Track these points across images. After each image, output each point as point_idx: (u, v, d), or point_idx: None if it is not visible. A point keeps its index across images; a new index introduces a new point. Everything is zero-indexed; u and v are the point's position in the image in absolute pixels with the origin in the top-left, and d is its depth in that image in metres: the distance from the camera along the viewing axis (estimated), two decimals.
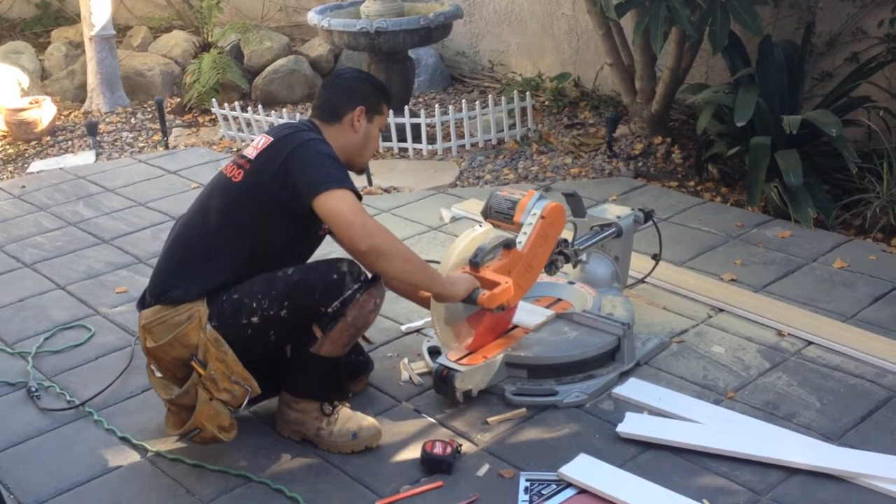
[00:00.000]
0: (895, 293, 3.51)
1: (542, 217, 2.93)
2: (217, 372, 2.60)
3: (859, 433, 2.72)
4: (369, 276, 2.70)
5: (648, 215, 3.51)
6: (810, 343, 3.19)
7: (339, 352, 2.72)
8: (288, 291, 2.62)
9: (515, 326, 3.12)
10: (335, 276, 2.63)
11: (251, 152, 2.74)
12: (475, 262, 2.82)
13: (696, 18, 4.38)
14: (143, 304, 2.79)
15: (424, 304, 3.19)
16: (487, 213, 3.07)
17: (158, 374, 2.76)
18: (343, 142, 2.80)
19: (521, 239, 2.92)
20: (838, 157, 4.22)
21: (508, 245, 2.90)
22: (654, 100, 5.16)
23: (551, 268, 3.13)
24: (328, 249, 3.08)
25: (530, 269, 2.94)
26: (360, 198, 2.64)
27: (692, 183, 4.80)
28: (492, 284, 2.79)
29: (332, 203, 2.57)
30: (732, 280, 3.66)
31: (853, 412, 2.81)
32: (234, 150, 5.69)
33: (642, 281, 3.59)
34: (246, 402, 2.68)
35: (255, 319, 2.63)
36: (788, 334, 3.25)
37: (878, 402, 2.86)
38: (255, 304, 2.63)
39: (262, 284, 2.65)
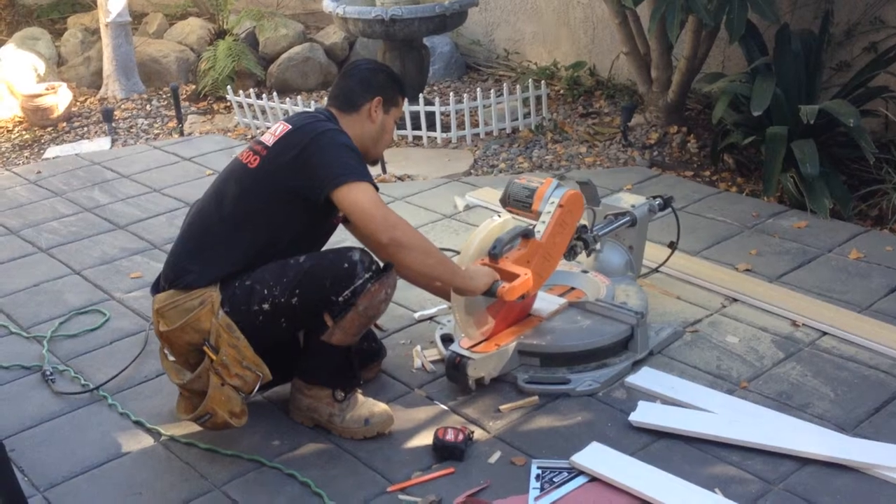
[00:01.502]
0: None
1: (561, 206, 2.93)
2: (229, 357, 2.61)
3: (873, 424, 2.70)
4: (381, 265, 2.71)
5: (668, 202, 3.50)
6: (825, 334, 3.17)
7: (351, 340, 2.73)
8: (299, 279, 2.63)
9: (529, 314, 3.12)
10: (346, 265, 2.63)
11: (269, 139, 2.74)
12: (494, 254, 2.82)
13: (712, 7, 4.35)
14: (157, 288, 2.80)
15: (440, 293, 3.20)
16: (506, 202, 3.06)
17: (171, 358, 2.77)
18: (360, 132, 2.80)
19: (540, 228, 2.92)
20: (855, 147, 4.19)
21: (527, 235, 2.90)
22: (670, 89, 5.14)
23: (570, 254, 3.13)
24: (341, 237, 3.08)
25: (549, 258, 2.94)
26: (377, 189, 2.65)
27: (708, 172, 4.77)
28: (511, 276, 2.79)
29: (353, 196, 2.58)
30: (747, 270, 3.65)
31: (867, 403, 2.80)
32: (249, 137, 5.70)
33: (657, 270, 3.58)
34: (257, 388, 2.69)
35: (266, 306, 2.64)
36: (803, 325, 3.23)
37: (893, 393, 2.84)
38: (266, 291, 2.63)
39: (273, 272, 2.65)
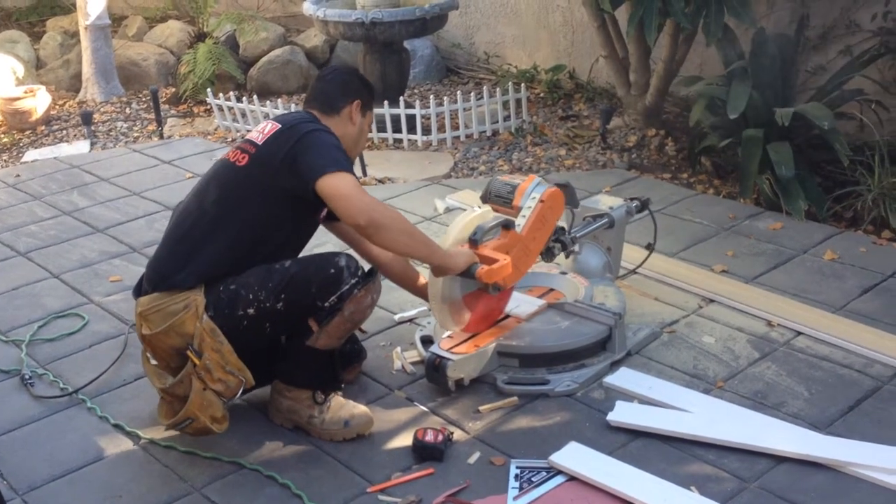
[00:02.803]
0: (884, 285, 3.54)
1: (542, 201, 2.96)
2: (212, 362, 2.61)
3: (847, 422, 2.74)
4: (366, 269, 2.73)
5: (645, 204, 3.53)
6: (799, 333, 3.21)
7: (335, 344, 2.75)
8: (285, 284, 2.64)
9: (508, 316, 3.14)
10: (333, 271, 2.65)
11: (257, 137, 2.76)
12: (474, 240, 2.85)
13: (690, 10, 4.39)
14: (139, 291, 2.79)
15: (419, 293, 3.22)
16: (487, 197, 3.09)
17: (153, 362, 2.77)
18: (342, 133, 2.83)
19: (520, 221, 2.95)
20: (830, 149, 4.24)
21: (507, 226, 2.93)
22: (649, 92, 5.17)
23: (548, 254, 3.16)
24: (321, 238, 3.09)
25: (528, 252, 2.96)
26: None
27: (685, 175, 4.82)
28: (490, 261, 2.82)
29: (332, 182, 2.60)
30: (724, 271, 3.68)
31: (841, 402, 2.83)
32: (230, 140, 5.70)
33: (635, 271, 3.61)
34: (240, 393, 2.69)
35: (251, 311, 2.64)
36: (778, 325, 3.27)
37: (866, 391, 2.88)
38: (251, 296, 2.64)
39: (258, 276, 2.66)
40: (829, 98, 4.56)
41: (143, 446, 2.80)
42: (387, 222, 2.63)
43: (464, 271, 2.78)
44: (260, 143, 2.73)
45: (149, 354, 2.77)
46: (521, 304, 3.17)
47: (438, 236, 4.06)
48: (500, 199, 3.04)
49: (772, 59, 4.60)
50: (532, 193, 2.98)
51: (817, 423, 2.74)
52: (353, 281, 2.66)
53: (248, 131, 5.64)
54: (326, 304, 2.65)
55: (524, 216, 2.95)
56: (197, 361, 2.60)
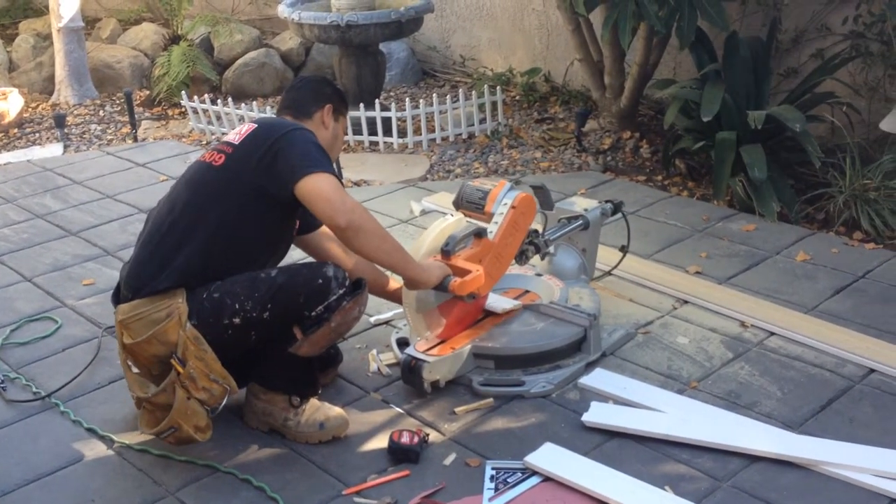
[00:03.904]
0: (856, 285, 3.58)
1: (513, 207, 2.97)
2: (196, 370, 2.59)
3: (819, 421, 2.77)
4: (352, 280, 2.72)
5: (618, 207, 3.55)
6: (772, 334, 3.24)
7: (317, 352, 2.75)
8: (272, 294, 2.62)
9: (485, 316, 3.14)
10: (321, 281, 2.64)
11: (234, 138, 2.75)
12: (447, 251, 2.85)
13: (663, 14, 4.42)
14: (117, 298, 2.77)
15: (390, 297, 3.22)
16: (459, 204, 3.09)
17: (135, 370, 2.73)
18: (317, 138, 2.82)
19: (493, 228, 2.95)
20: (802, 151, 4.28)
21: (480, 234, 2.94)
22: (623, 95, 5.21)
23: (521, 257, 3.17)
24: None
25: (501, 259, 2.97)
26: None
27: (660, 177, 4.85)
28: (463, 272, 2.82)
29: (312, 183, 2.59)
30: (697, 272, 3.71)
31: (813, 401, 2.86)
32: (204, 143, 5.67)
33: (610, 273, 3.63)
34: (224, 402, 2.66)
35: (236, 320, 2.63)
36: (751, 325, 3.30)
37: (837, 391, 2.91)
38: (237, 306, 2.62)
39: (244, 285, 2.64)
40: (801, 101, 4.61)
41: (116, 450, 2.79)
42: (367, 226, 2.62)
43: (437, 284, 2.79)
44: (237, 143, 2.72)
45: (130, 363, 2.73)
46: (497, 302, 3.18)
47: (414, 239, 4.06)
48: (471, 205, 3.04)
49: (744, 62, 4.64)
50: (504, 199, 2.99)
51: (790, 423, 2.76)
52: (340, 291, 2.66)
53: (224, 134, 5.66)
54: (313, 314, 2.64)
55: (496, 223, 2.96)
56: (181, 370, 2.58)
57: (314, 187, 2.59)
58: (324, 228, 3.03)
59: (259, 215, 2.70)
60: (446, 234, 2.92)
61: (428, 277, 2.77)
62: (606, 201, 3.55)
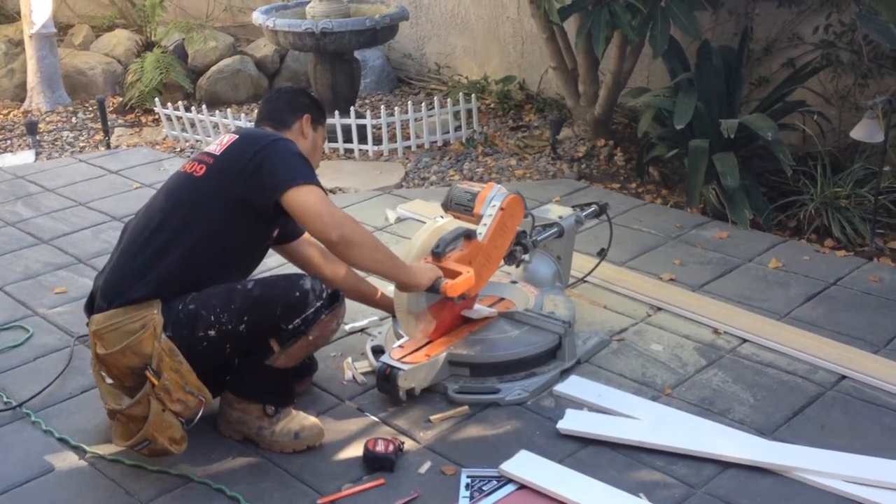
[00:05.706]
0: (827, 292, 3.61)
1: (502, 209, 3.00)
2: (171, 382, 2.56)
3: (791, 428, 2.79)
4: (330, 293, 2.71)
5: (603, 209, 3.59)
6: (745, 341, 3.27)
7: (294, 364, 2.74)
8: (248, 307, 2.61)
9: (461, 323, 3.14)
10: (298, 294, 2.62)
11: (215, 149, 2.74)
12: (437, 253, 2.87)
13: (636, 23, 4.46)
14: (91, 307, 2.74)
15: (378, 306, 3.23)
16: (448, 205, 3.11)
17: (109, 381, 2.70)
18: None
19: (482, 230, 2.98)
20: (774, 160, 4.32)
21: (469, 236, 2.96)
22: (597, 103, 5.24)
23: (510, 258, 3.19)
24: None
25: (490, 260, 3.00)
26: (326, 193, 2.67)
27: (633, 185, 4.88)
28: (454, 274, 2.84)
29: (301, 197, 2.58)
30: (671, 280, 3.73)
31: (785, 408, 2.88)
32: (178, 150, 5.64)
33: (584, 279, 3.65)
34: (200, 414, 2.64)
35: (212, 333, 2.61)
36: (724, 332, 3.32)
37: (810, 397, 2.94)
38: (212, 318, 2.60)
39: (220, 297, 2.62)
40: (772, 109, 4.66)
41: (88, 460, 2.76)
42: (358, 238, 2.62)
43: (429, 287, 2.80)
44: (218, 154, 2.71)
45: (103, 374, 2.69)
46: (472, 311, 3.18)
47: (390, 246, 4.06)
48: (460, 206, 3.07)
49: (717, 71, 4.68)
50: (492, 201, 3.01)
51: (763, 429, 2.78)
52: (318, 304, 2.65)
53: (198, 141, 5.64)
54: (290, 327, 2.63)
55: (485, 224, 2.99)
56: (156, 382, 2.55)
57: (304, 202, 2.58)
58: (305, 235, 3.03)
59: (239, 225, 2.68)
60: (437, 237, 2.93)
61: (419, 280, 2.78)
62: (591, 203, 3.59)
